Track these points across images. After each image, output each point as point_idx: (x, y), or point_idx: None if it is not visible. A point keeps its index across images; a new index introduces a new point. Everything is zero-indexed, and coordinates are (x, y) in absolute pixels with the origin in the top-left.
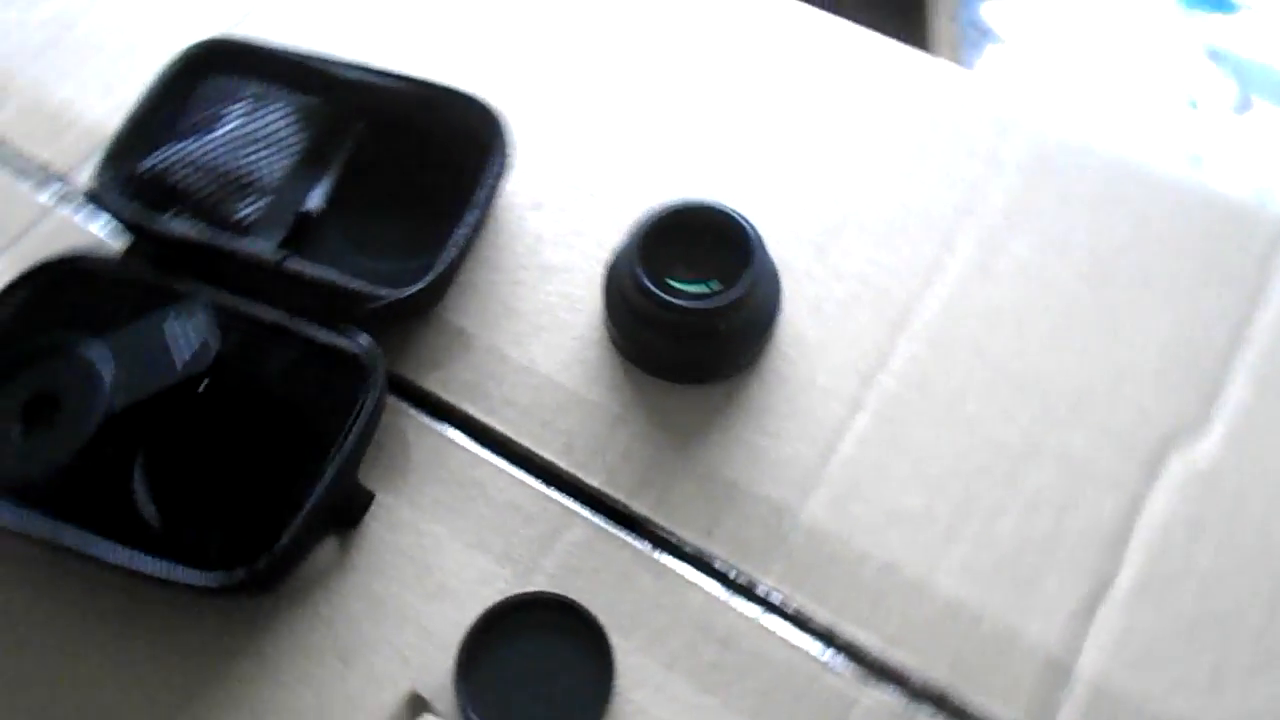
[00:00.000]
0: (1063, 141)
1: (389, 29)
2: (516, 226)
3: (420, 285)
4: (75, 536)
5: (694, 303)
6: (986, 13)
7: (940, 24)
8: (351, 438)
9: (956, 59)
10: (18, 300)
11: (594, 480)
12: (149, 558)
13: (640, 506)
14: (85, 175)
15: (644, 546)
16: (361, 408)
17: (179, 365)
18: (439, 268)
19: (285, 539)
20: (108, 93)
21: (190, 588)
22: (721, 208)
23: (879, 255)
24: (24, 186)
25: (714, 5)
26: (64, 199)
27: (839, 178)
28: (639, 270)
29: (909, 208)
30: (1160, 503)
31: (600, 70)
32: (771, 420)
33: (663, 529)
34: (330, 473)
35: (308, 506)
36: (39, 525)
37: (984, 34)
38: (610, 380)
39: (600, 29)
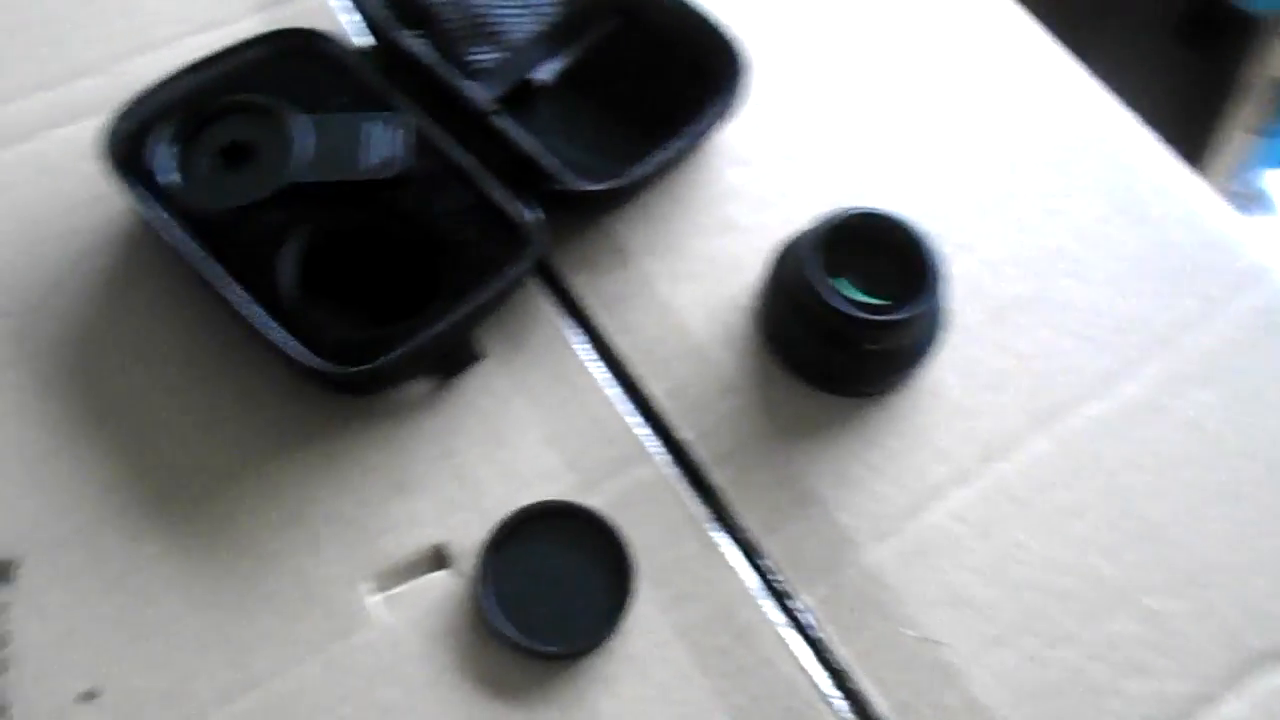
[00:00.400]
0: None
1: None
2: (716, 174)
3: (602, 186)
4: (219, 276)
5: (851, 309)
6: (1270, 181)
7: (1216, 176)
8: (483, 296)
9: None
10: (251, 56)
11: (685, 433)
12: (269, 322)
13: (717, 476)
14: None
15: (703, 514)
16: (505, 274)
17: (363, 165)
18: (625, 179)
19: (385, 359)
20: None
21: (291, 364)
22: (917, 231)
23: (1056, 346)
24: None
25: (985, 35)
26: None
27: (1045, 252)
28: (811, 261)
29: (1110, 313)
30: (1230, 714)
31: (852, 53)
32: (877, 454)
33: (729, 505)
34: (451, 318)
35: (416, 339)
36: (195, 254)
37: (1258, 201)
38: (740, 350)
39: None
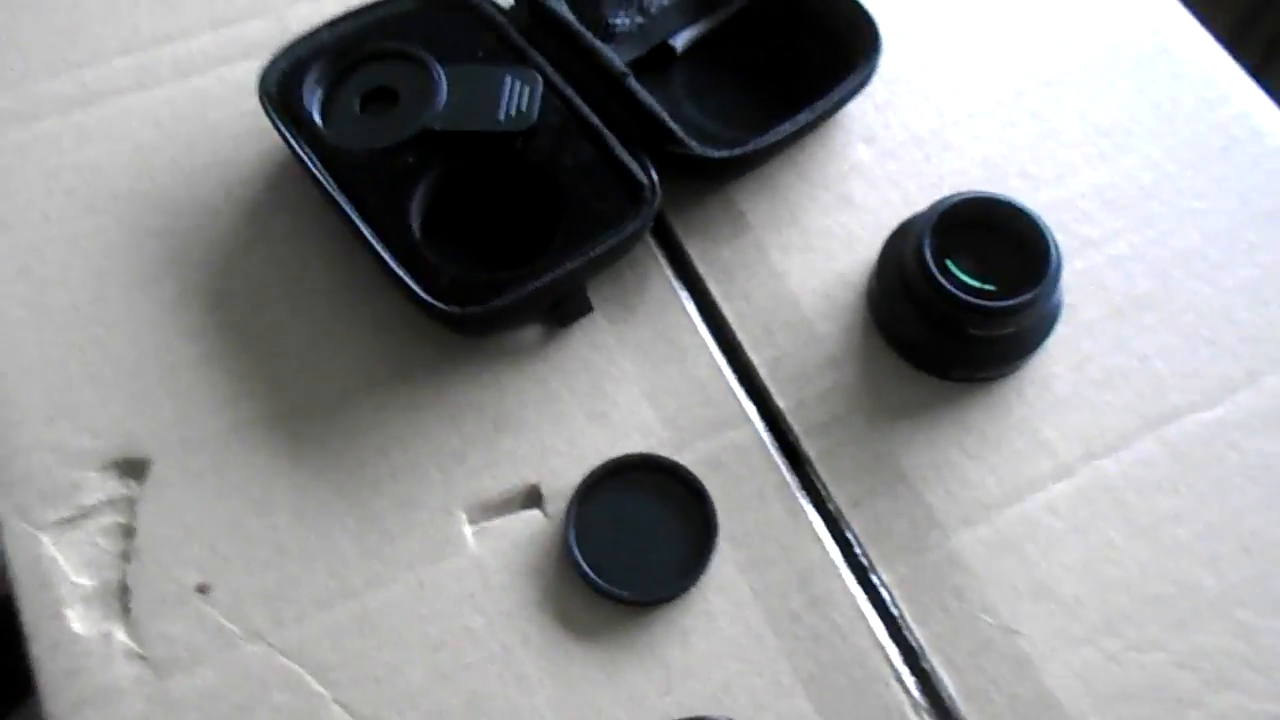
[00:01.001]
0: None
1: None
2: (841, 149)
3: (725, 153)
4: (353, 212)
5: (961, 293)
6: None
7: None
8: (599, 249)
9: None
10: (400, 7)
11: (783, 401)
12: (395, 258)
13: (809, 447)
14: None
15: (793, 482)
16: (622, 229)
17: (500, 117)
18: (748, 147)
19: (498, 301)
20: None
21: (411, 300)
22: (1036, 218)
23: (1176, 350)
24: None
25: (1131, 23)
26: None
27: (1177, 252)
28: (925, 240)
29: (1240, 320)
30: None
31: (990, 36)
32: (975, 441)
33: (818, 476)
34: (565, 267)
35: (530, 285)
36: (334, 190)
37: None
38: (847, 327)
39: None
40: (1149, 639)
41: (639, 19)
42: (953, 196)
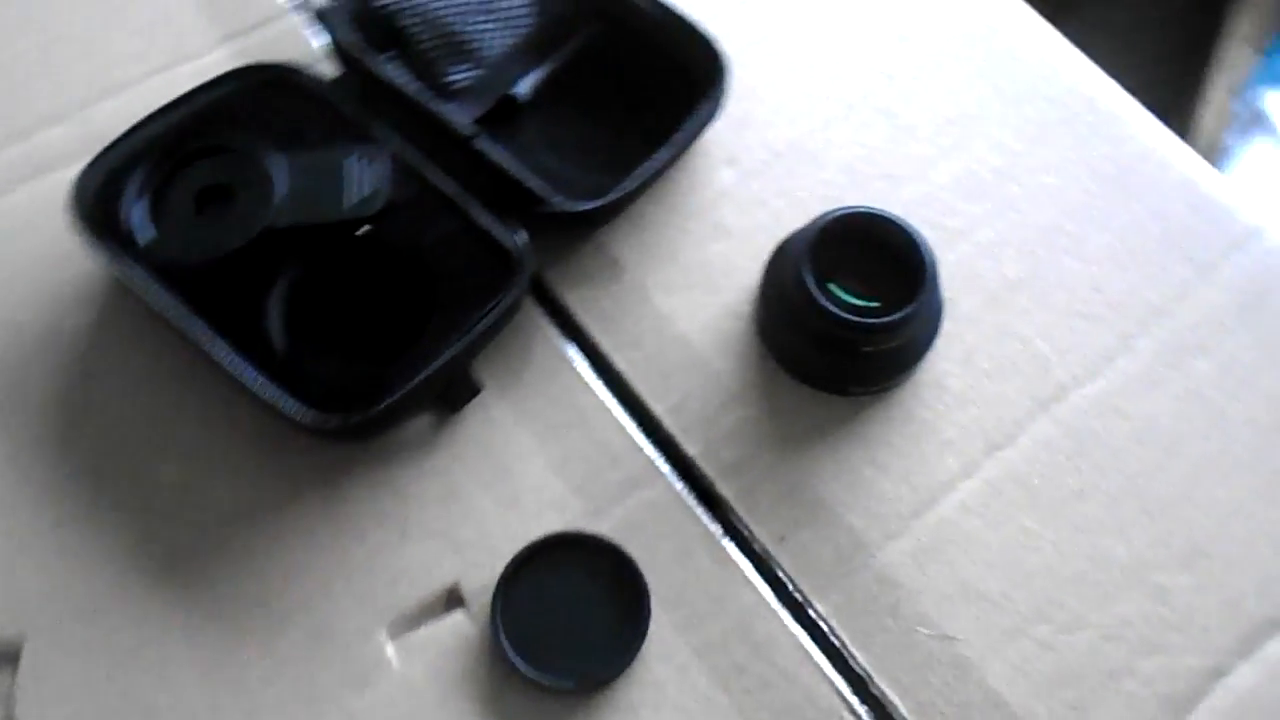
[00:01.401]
0: None
1: None
2: (704, 176)
3: (591, 205)
4: (202, 331)
5: (848, 315)
6: (1270, 101)
7: (1218, 94)
8: (479, 326)
9: (1219, 139)
10: (221, 93)
11: (690, 448)
12: (259, 376)
13: (725, 489)
14: None
15: (715, 529)
16: (499, 302)
17: (346, 204)
18: (615, 194)
19: (385, 401)
20: None
21: (286, 418)
22: (907, 228)
23: (1053, 328)
24: None
25: (959, 11)
26: (299, 6)
27: (1039, 230)
28: (804, 266)
29: (1106, 288)
30: (1243, 683)
31: (829, 43)
32: (884, 453)
33: (739, 518)
34: (448, 353)
35: (417, 378)
36: (175, 310)
37: (1258, 122)
38: (741, 358)
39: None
40: (1075, 618)
41: (477, 71)
42: (824, 217)
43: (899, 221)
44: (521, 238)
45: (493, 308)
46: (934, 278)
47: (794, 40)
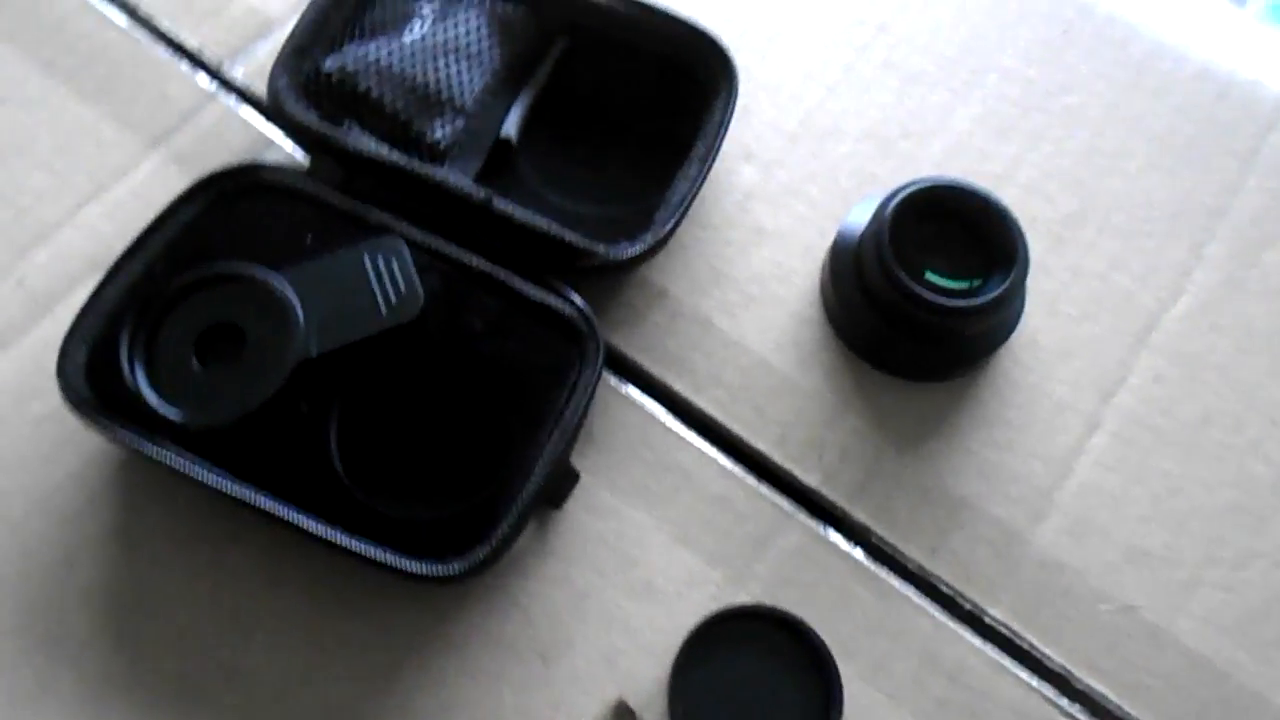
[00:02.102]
0: None
1: None
2: (725, 179)
3: (642, 247)
4: (263, 499)
5: (951, 301)
6: None
7: None
8: (569, 414)
9: None
10: (189, 215)
11: (810, 479)
12: (352, 536)
13: (859, 514)
14: (244, 65)
15: (864, 558)
16: (579, 379)
17: (384, 311)
18: (660, 228)
19: (503, 526)
20: None
21: (384, 569)
22: (983, 193)
23: (1123, 254)
24: (182, 67)
25: None
26: (225, 87)
27: (1077, 157)
28: (890, 258)
29: (1155, 202)
30: None
31: (827, 6)
32: (1003, 431)
33: (884, 541)
34: (548, 453)
35: (528, 490)
36: (226, 481)
37: None
38: (827, 366)
39: None
40: (1242, 552)
41: (459, 122)
42: (890, 199)
43: (977, 189)
44: (578, 301)
45: (574, 388)
46: (1026, 244)
47: (771, 15)
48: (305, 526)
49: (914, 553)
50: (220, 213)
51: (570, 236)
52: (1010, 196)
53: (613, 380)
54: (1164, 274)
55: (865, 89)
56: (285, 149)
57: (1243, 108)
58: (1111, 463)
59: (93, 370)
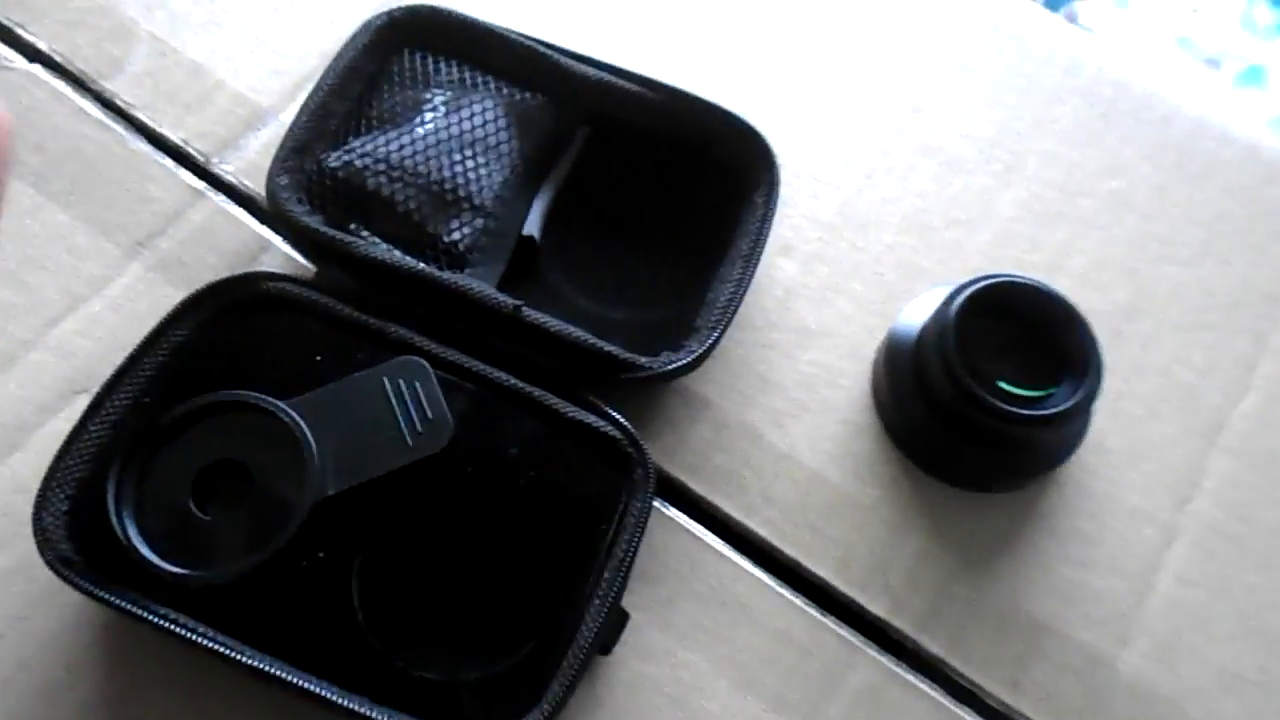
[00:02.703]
0: None
1: (578, 8)
2: (763, 274)
3: (688, 358)
4: (284, 668)
5: (1025, 411)
6: (1083, 6)
7: None
8: (620, 548)
9: None
10: (182, 335)
11: (877, 608)
12: (382, 706)
13: (933, 645)
14: (234, 160)
15: (941, 696)
16: (625, 510)
17: (410, 441)
18: (706, 336)
19: (558, 687)
20: (255, 54)
21: None
22: (1053, 293)
23: (1183, 349)
24: (165, 163)
25: (1002, 24)
26: (214, 184)
27: (1128, 244)
28: (958, 365)
29: (1213, 291)
30: None
31: (855, 83)
32: (1077, 546)
33: (962, 676)
34: (601, 595)
35: (581, 639)
36: (235, 648)
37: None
38: (886, 479)
39: (863, 27)
40: None
41: (479, 221)
42: (952, 299)
43: (1042, 287)
44: (621, 421)
45: (623, 519)
46: (1096, 341)
47: (802, 98)
48: (328, 697)
49: (995, 687)
50: (218, 331)
51: (611, 348)
52: (1063, 287)
53: (656, 502)
54: (1228, 368)
55: (903, 175)
56: (283, 251)
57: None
58: (1195, 577)
59: (75, 520)
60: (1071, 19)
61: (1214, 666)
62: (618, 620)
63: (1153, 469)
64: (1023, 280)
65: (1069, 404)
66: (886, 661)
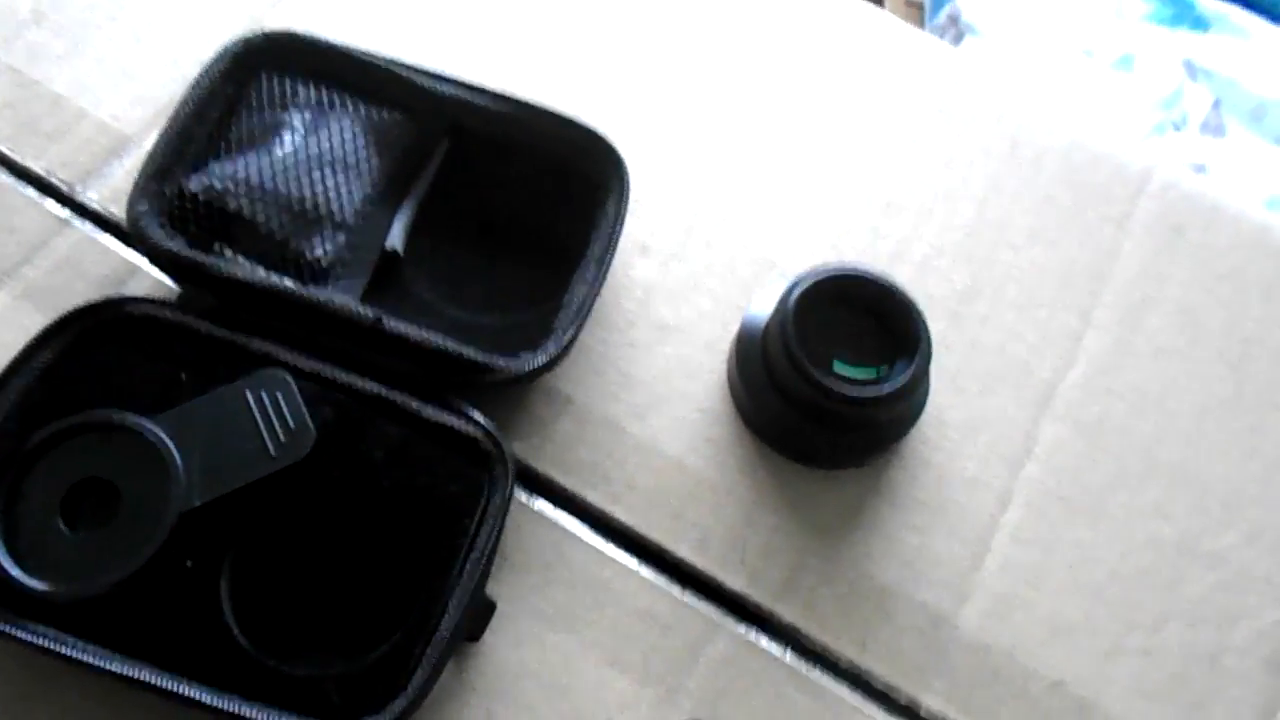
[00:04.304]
0: (1190, 196)
1: (435, 29)
2: (622, 274)
3: (544, 358)
4: (157, 674)
5: (862, 391)
6: (965, 5)
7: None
8: (481, 542)
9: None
10: (45, 360)
11: (734, 583)
12: (256, 706)
13: (787, 613)
14: (98, 188)
15: (795, 661)
16: (489, 504)
17: (273, 451)
18: (562, 335)
19: (421, 674)
20: (116, 83)
21: None
22: (884, 281)
23: (1018, 325)
24: (28, 194)
25: (843, 29)
26: (79, 212)
27: (964, 232)
28: (797, 352)
29: (1044, 270)
30: None
31: (704, 90)
32: (920, 514)
33: (814, 641)
34: (463, 586)
35: (444, 628)
36: (105, 657)
37: (959, 26)
38: (742, 462)
39: (709, 38)
40: (1157, 616)
41: (340, 237)
42: (791, 290)
43: (874, 276)
44: (481, 419)
45: (485, 513)
46: (927, 326)
47: (649, 104)
48: (201, 700)
49: (845, 649)
50: (82, 355)
51: (469, 352)
52: (905, 274)
53: (523, 496)
54: (1057, 342)
55: (752, 172)
56: (152, 275)
57: (1113, 174)
58: (1027, 536)
59: None
60: (955, 18)
61: (1045, 618)
62: (484, 609)
63: (989, 439)
64: (854, 270)
65: (900, 382)
66: (744, 631)
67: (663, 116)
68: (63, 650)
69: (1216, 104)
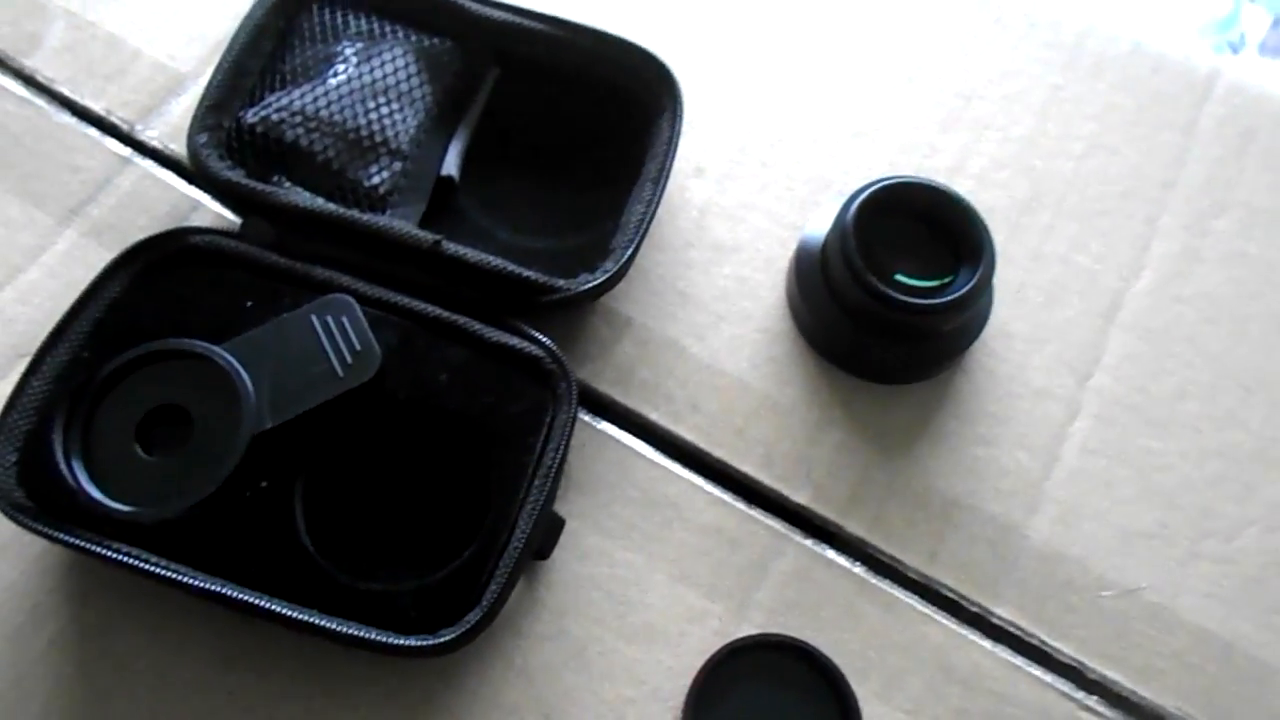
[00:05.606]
0: (1260, 99)
1: None
2: (677, 196)
3: (602, 277)
4: (239, 591)
5: (924, 301)
6: None
7: None
8: (549, 458)
9: None
10: (115, 292)
11: (800, 497)
12: (333, 618)
13: (855, 527)
14: (158, 125)
15: (864, 573)
16: (554, 421)
17: (340, 373)
18: (620, 255)
19: (494, 587)
20: (169, 22)
21: (373, 649)
22: (944, 188)
23: (1081, 236)
24: (90, 133)
25: None
26: (139, 150)
27: (1022, 143)
28: (858, 263)
29: (1110, 178)
30: None
31: (755, 8)
32: (986, 426)
33: (883, 553)
34: (532, 503)
35: (514, 544)
36: (190, 574)
37: None
38: (804, 379)
39: None
40: (1234, 521)
41: (397, 165)
42: (851, 201)
43: (935, 185)
44: (543, 341)
45: (550, 431)
46: (990, 235)
47: (703, 25)
48: (283, 613)
49: (913, 560)
50: (149, 286)
51: (528, 273)
52: (964, 188)
53: (586, 417)
54: (1123, 251)
55: (807, 91)
56: (213, 209)
57: (1178, 79)
58: (1096, 446)
59: (25, 471)
60: None
61: (1116, 526)
62: (552, 526)
63: (1055, 350)
64: (913, 180)
65: (963, 291)
66: (812, 545)
67: (713, 35)
68: (150, 568)
69: (1276, 23)
